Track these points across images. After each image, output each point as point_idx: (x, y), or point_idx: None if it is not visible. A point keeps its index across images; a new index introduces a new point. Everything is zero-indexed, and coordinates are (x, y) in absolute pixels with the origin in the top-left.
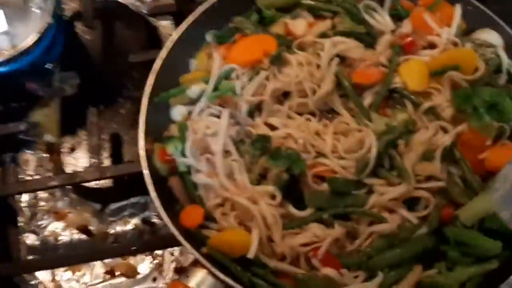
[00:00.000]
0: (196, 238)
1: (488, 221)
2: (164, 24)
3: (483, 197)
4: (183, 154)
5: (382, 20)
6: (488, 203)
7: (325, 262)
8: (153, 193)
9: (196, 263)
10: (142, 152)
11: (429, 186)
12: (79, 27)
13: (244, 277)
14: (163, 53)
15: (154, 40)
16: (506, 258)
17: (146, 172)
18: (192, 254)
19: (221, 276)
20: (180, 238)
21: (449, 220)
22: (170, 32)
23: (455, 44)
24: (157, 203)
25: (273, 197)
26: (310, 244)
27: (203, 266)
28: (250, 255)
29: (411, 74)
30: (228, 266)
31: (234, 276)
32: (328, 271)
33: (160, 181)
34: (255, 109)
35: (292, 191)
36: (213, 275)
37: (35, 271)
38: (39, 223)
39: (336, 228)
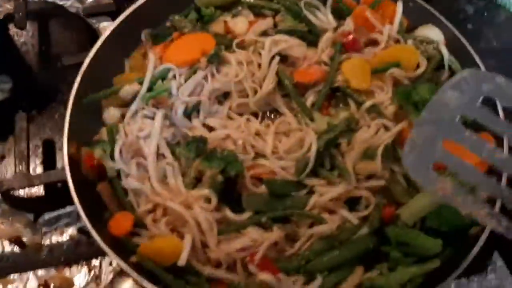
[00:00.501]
0: (127, 247)
1: (429, 220)
2: (105, 26)
3: (424, 195)
4: (112, 158)
5: (324, 18)
6: (429, 201)
7: (262, 267)
8: (76, 201)
9: (121, 274)
10: (66, 158)
11: (370, 185)
12: (13, 29)
13: (178, 285)
14: (93, 52)
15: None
16: (448, 257)
17: (69, 178)
18: (118, 263)
19: (149, 286)
20: (104, 246)
21: (390, 220)
22: None
23: (397, 41)
24: (81, 211)
25: (208, 200)
26: (247, 249)
27: (130, 276)
28: (181, 262)
29: (354, 72)
30: (159, 275)
31: (166, 285)
32: (265, 276)
33: (90, 188)
34: (193, 110)
35: (230, 194)
36: (141, 286)
37: None
38: None
39: (274, 231)
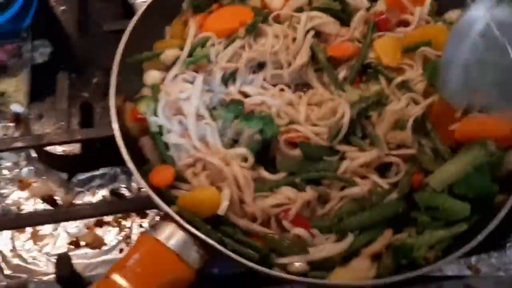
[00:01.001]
0: (165, 198)
1: (456, 187)
2: (140, 2)
3: (453, 163)
4: (155, 114)
5: None
6: (457, 169)
7: (296, 223)
8: (123, 150)
9: (165, 218)
10: (113, 110)
11: (400, 153)
12: None
13: (214, 235)
14: (136, 17)
15: (129, 16)
16: (474, 223)
17: (116, 127)
18: (163, 208)
19: (191, 228)
20: (151, 193)
21: (419, 186)
22: None
23: (427, 23)
24: (127, 157)
25: (245, 159)
26: (281, 205)
27: (173, 220)
28: (221, 211)
29: (385, 49)
30: (197, 225)
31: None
32: (299, 230)
33: (130, 143)
34: (230, 78)
35: (264, 155)
36: (184, 229)
37: None
38: (1, 191)
39: (308, 191)
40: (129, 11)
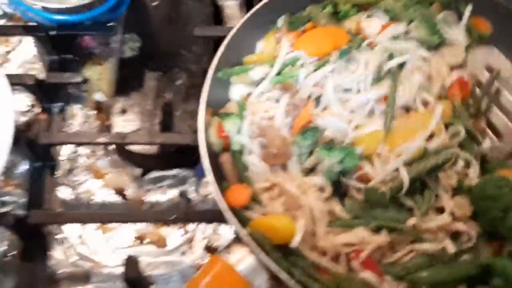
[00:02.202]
0: (238, 218)
1: None
2: (229, 4)
3: None
4: (239, 133)
5: (457, 34)
6: None
7: (366, 266)
8: (207, 164)
9: (237, 241)
10: (201, 124)
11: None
12: None
13: (283, 265)
14: (232, 32)
15: (217, 18)
16: None
17: (202, 142)
18: (237, 231)
19: (263, 257)
20: (228, 213)
21: (496, 253)
22: (235, 12)
23: None
24: (209, 174)
25: (321, 190)
26: (353, 245)
27: (246, 245)
28: (294, 244)
29: None
30: (267, 251)
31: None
32: (368, 275)
33: (210, 157)
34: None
35: (338, 189)
36: (256, 256)
37: (66, 223)
38: (76, 178)
39: (383, 235)
40: (217, 12)
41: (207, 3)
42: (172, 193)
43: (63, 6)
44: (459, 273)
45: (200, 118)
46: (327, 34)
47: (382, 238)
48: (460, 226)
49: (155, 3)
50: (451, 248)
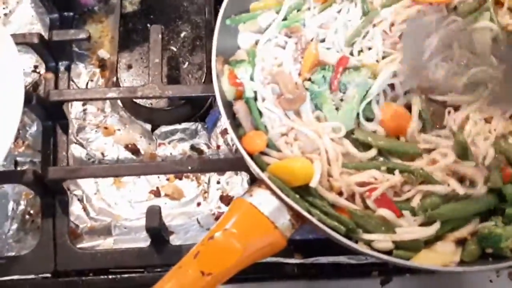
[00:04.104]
0: (256, 164)
1: None
2: None
3: None
4: (252, 79)
5: None
6: None
7: (382, 204)
8: (223, 112)
9: (259, 184)
10: (214, 72)
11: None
12: None
13: (302, 205)
14: None
15: None
16: None
17: (217, 91)
18: (258, 175)
19: (285, 197)
20: (247, 158)
21: (509, 179)
22: None
23: None
24: (226, 122)
25: (335, 131)
26: (367, 184)
27: (267, 187)
28: (313, 183)
29: None
30: (286, 193)
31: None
32: (385, 212)
33: (225, 105)
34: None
35: None
36: (276, 196)
37: (84, 177)
38: (87, 136)
39: (396, 174)
40: None
41: None
42: (184, 147)
43: None
44: (473, 208)
45: (212, 66)
46: None
47: (396, 177)
48: (464, 169)
49: None
50: (460, 190)
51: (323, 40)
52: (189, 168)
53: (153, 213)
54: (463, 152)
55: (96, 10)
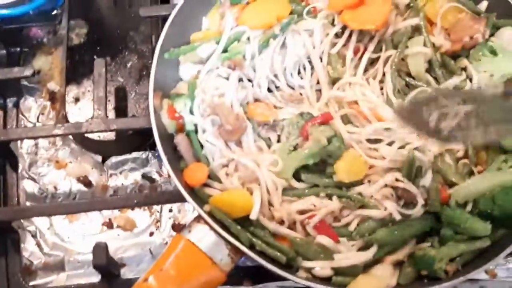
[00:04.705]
0: (198, 196)
1: (482, 204)
2: None
3: (480, 179)
4: (191, 112)
5: None
6: (484, 186)
7: (321, 231)
8: (160, 148)
9: (198, 219)
10: (151, 108)
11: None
12: None
13: (244, 236)
14: (176, 9)
15: None
16: (499, 238)
17: (154, 127)
18: (196, 210)
19: (222, 232)
20: (185, 194)
21: (445, 201)
22: None
23: None
24: (163, 157)
25: (274, 164)
26: (307, 212)
27: (205, 222)
28: (253, 216)
29: None
30: (228, 225)
31: (233, 235)
32: (323, 239)
33: (165, 138)
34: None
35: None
36: (215, 231)
37: (33, 216)
38: (39, 170)
39: (334, 200)
40: None
41: None
42: (135, 176)
43: (5, 1)
44: (409, 231)
45: (150, 103)
46: (269, 5)
47: (334, 203)
48: (406, 188)
49: None
50: (396, 215)
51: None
52: (135, 202)
53: (100, 250)
54: (408, 170)
55: (45, 42)
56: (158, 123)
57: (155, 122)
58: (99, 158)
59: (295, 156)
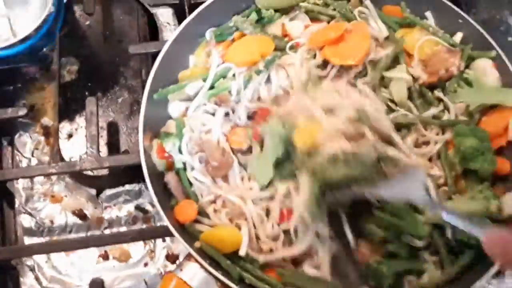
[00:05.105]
0: (189, 232)
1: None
2: (162, 12)
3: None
4: (180, 151)
5: (376, 26)
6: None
7: None
8: (151, 189)
9: (189, 257)
10: (141, 149)
11: None
12: (78, 12)
13: (234, 271)
14: (164, 49)
15: (152, 28)
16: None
17: (145, 169)
18: (186, 248)
19: (212, 270)
20: (175, 233)
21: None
22: (168, 20)
23: None
24: (154, 198)
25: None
26: None
27: (196, 260)
28: (242, 252)
29: None
30: (218, 260)
31: (224, 270)
32: (309, 269)
33: (156, 176)
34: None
35: None
36: (205, 269)
37: (32, 255)
38: (35, 205)
39: None
40: (151, 21)
41: (138, 14)
42: (129, 208)
43: None
44: None
45: (140, 144)
46: (254, 42)
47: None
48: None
49: (87, 23)
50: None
51: None
52: (130, 238)
53: (96, 286)
54: None
55: (37, 77)
56: (148, 162)
57: (145, 163)
58: (93, 191)
59: (264, 160)
